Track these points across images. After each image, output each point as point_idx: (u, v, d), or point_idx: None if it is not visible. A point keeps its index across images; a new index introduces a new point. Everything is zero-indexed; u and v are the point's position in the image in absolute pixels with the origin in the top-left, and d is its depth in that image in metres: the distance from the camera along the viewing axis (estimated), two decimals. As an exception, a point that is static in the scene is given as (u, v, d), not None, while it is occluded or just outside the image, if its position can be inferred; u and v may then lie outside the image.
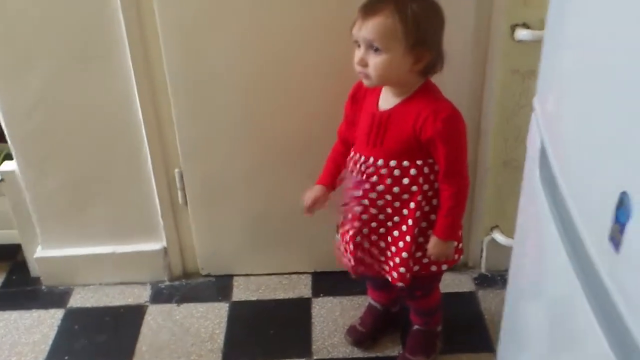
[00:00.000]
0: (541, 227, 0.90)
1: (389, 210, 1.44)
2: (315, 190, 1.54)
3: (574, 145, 0.82)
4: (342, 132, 1.55)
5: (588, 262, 0.69)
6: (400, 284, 1.49)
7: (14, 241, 1.97)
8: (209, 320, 1.82)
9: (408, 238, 1.44)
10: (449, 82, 1.43)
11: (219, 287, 1.94)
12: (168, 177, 1.83)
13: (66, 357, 1.72)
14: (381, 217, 1.46)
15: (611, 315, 0.62)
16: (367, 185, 1.43)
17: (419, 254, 1.48)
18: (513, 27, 1.60)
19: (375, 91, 1.43)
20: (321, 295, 1.89)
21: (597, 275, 0.66)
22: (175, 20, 1.60)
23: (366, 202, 1.44)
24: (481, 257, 1.95)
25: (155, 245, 1.93)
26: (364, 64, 1.33)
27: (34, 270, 1.97)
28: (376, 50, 1.31)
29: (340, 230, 1.52)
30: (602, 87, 0.71)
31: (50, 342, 1.76)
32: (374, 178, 1.42)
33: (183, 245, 1.95)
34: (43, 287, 1.96)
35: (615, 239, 0.62)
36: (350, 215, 1.48)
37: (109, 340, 1.77)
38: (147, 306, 1.88)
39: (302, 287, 1.93)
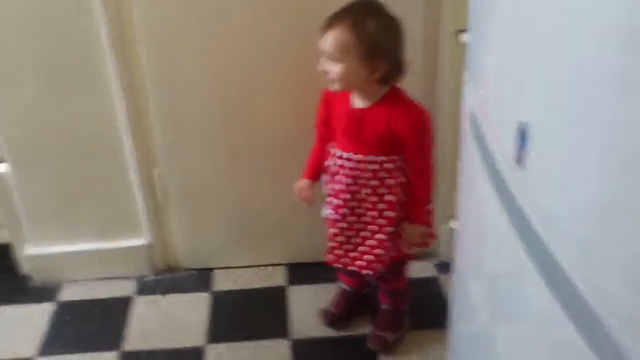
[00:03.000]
0: (474, 173, 1.07)
1: (368, 204, 1.55)
2: (300, 183, 1.67)
3: (490, 99, 1.03)
4: (319, 132, 1.64)
5: (504, 186, 0.87)
6: (368, 272, 1.61)
7: (4, 240, 2.03)
8: (193, 308, 1.91)
9: (387, 229, 1.56)
10: (404, 84, 1.54)
11: (200, 279, 2.03)
12: (149, 176, 1.91)
13: (59, 344, 1.79)
14: (360, 210, 1.57)
15: (525, 226, 0.80)
16: (349, 180, 1.54)
17: (396, 241, 1.61)
18: (457, 32, 1.71)
19: (345, 94, 1.54)
20: (296, 283, 1.99)
21: (511, 195, 0.84)
22: (155, 36, 1.71)
23: (347, 196, 1.55)
24: (441, 245, 2.08)
25: (138, 241, 2.00)
26: (325, 71, 1.47)
27: (24, 268, 2.03)
28: (334, 59, 1.45)
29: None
30: (508, 56, 0.91)
31: (43, 332, 1.83)
32: (354, 172, 1.53)
33: (165, 241, 2.03)
34: (33, 284, 2.02)
35: (521, 159, 0.80)
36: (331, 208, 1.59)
37: (100, 328, 1.85)
38: (133, 297, 1.96)
39: (278, 277, 2.02)
